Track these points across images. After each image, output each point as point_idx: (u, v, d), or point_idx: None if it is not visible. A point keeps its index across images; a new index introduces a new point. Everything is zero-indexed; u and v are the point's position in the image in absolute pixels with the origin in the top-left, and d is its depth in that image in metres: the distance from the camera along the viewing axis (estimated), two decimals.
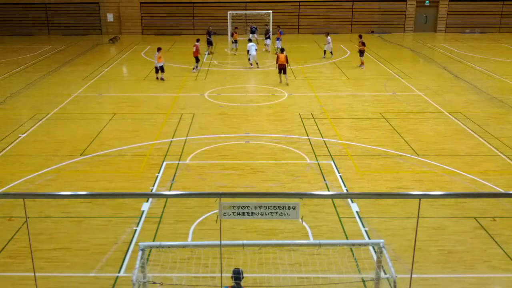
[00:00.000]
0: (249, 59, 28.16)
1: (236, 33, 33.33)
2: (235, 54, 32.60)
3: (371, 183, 13.45)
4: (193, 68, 27.28)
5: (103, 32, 42.49)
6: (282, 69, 23.78)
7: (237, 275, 7.51)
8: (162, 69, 24.65)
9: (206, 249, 9.85)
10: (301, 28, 42.68)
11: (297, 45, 36.30)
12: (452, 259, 10.10)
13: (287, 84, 23.83)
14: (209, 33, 32.91)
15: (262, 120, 18.79)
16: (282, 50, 25.14)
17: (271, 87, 23.78)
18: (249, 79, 25.67)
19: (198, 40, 27.47)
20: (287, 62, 23.90)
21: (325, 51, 30.60)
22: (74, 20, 42.03)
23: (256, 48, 27.94)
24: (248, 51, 27.98)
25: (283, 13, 41.66)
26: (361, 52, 27.59)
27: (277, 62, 23.94)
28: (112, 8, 42.14)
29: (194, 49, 26.89)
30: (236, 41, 33.25)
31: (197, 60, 27.26)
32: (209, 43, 32.78)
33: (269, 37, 33.88)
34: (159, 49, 24.56)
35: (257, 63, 27.95)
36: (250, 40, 28.62)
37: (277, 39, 32.55)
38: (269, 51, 33.51)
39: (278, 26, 33.36)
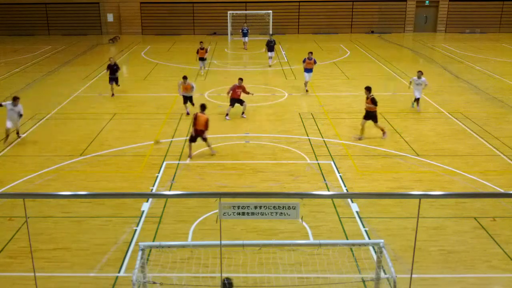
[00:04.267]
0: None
1: (203, 48, 25.91)
2: (202, 74, 26.35)
3: (371, 183, 13.45)
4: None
5: (103, 32, 42.49)
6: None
7: (226, 286, 7.33)
8: (191, 100, 19.23)
9: (206, 249, 9.85)
10: (301, 28, 42.68)
11: (297, 45, 36.28)
12: (452, 259, 10.10)
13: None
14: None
15: (262, 120, 18.79)
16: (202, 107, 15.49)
17: (271, 87, 23.77)
18: (249, 79, 25.64)
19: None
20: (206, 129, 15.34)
21: (417, 99, 19.48)
22: (74, 20, 42.04)
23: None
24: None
25: (283, 13, 41.68)
26: (373, 116, 16.44)
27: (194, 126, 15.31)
28: (112, 8, 42.15)
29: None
30: (202, 59, 26.10)
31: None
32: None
33: (272, 49, 28.34)
34: (185, 78, 18.88)
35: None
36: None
37: (306, 70, 22.27)
38: (270, 66, 28.65)
39: (311, 53, 22.28)
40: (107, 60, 31.05)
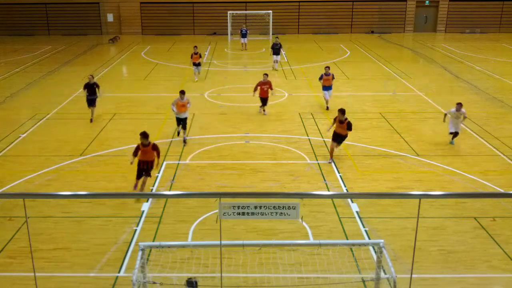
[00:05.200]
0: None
1: (197, 53, 24.53)
2: (196, 81, 24.92)
3: (371, 183, 13.45)
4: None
5: (103, 32, 42.48)
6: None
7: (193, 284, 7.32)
8: (184, 123, 16.34)
9: (206, 249, 9.85)
10: (301, 28, 42.68)
11: (297, 45, 36.28)
12: (452, 259, 10.10)
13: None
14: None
15: (262, 120, 18.78)
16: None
17: None
18: (249, 79, 25.63)
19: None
20: None
21: (455, 133, 16.17)
22: (74, 20, 42.03)
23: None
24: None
25: (283, 13, 41.68)
26: (341, 140, 14.73)
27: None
28: (112, 8, 42.14)
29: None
30: (196, 64, 24.70)
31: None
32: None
33: (278, 52, 26.95)
34: (182, 92, 16.31)
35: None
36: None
37: (325, 88, 19.94)
38: (277, 69, 27.31)
39: (327, 67, 20.17)
40: (107, 60, 31.16)
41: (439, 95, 21.91)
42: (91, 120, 18.68)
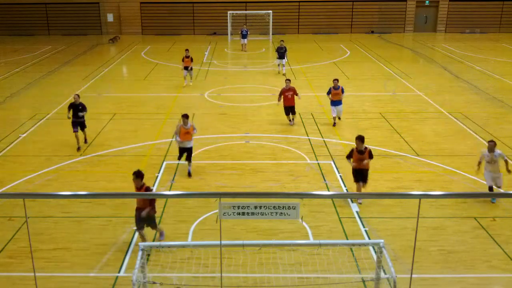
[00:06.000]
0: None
1: (188, 57, 23.36)
2: (189, 84, 24.00)
3: (371, 183, 13.44)
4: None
5: (103, 32, 42.49)
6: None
7: None
8: (189, 154, 13.82)
9: (206, 249, 9.85)
10: (301, 28, 42.68)
11: (297, 45, 36.28)
12: (452, 259, 10.10)
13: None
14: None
15: (262, 120, 18.78)
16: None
17: (271, 87, 23.76)
18: (249, 79, 25.65)
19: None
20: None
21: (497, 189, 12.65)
22: (74, 20, 42.03)
23: None
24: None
25: (283, 13, 41.68)
26: (365, 176, 12.31)
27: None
28: (112, 8, 42.15)
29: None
30: (188, 68, 23.56)
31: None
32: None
33: (283, 56, 25.66)
34: (185, 117, 13.65)
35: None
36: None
37: (333, 103, 17.75)
38: (284, 74, 25.75)
39: (336, 80, 17.85)
40: (107, 60, 31.14)
41: (439, 95, 21.91)
42: (78, 149, 15.67)
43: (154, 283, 8.27)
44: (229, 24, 39.29)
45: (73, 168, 14.52)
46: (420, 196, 5.57)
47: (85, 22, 42.25)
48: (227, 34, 39.45)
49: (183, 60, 23.63)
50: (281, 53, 25.63)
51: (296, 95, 17.79)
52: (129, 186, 13.21)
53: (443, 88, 23.33)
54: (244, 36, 33.84)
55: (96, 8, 42.11)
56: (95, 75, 26.56)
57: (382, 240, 7.46)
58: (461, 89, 23.23)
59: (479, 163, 12.17)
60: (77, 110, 15.73)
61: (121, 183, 13.48)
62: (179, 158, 13.83)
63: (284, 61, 25.87)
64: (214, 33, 42.06)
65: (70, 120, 15.88)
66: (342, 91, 17.67)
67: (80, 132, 15.88)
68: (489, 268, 9.88)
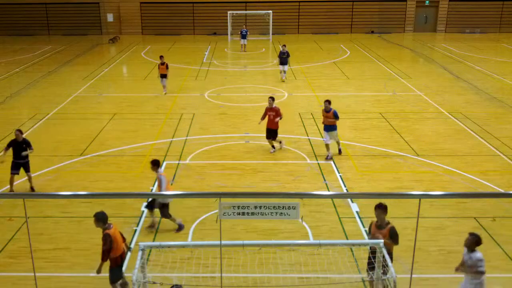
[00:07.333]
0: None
1: (163, 63, 21.86)
2: (165, 93, 22.34)
3: (371, 183, 13.45)
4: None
5: (103, 32, 42.49)
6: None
7: None
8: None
9: (206, 249, 9.85)
10: (301, 28, 42.69)
11: (297, 45, 36.28)
12: (452, 259, 10.08)
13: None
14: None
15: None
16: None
17: (271, 87, 23.76)
18: (249, 79, 25.65)
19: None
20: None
21: None
22: (74, 20, 42.04)
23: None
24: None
25: (283, 13, 41.68)
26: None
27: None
28: (112, 8, 42.15)
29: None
30: (164, 76, 22.13)
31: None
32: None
33: (285, 62, 24.14)
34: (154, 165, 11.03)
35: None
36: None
37: (326, 128, 14.78)
38: (284, 81, 24.66)
39: (327, 101, 14.79)
40: (107, 60, 31.09)
41: (439, 95, 21.91)
42: (32, 189, 12.69)
43: (154, 283, 8.26)
44: (229, 24, 39.30)
45: (73, 168, 14.51)
46: (420, 196, 5.56)
47: (85, 22, 42.27)
48: (227, 34, 39.45)
49: (158, 67, 22.28)
50: (283, 58, 24.04)
51: (278, 117, 14.85)
52: (129, 186, 13.24)
53: (443, 88, 23.33)
54: (243, 37, 33.81)
55: (96, 8, 42.11)
56: (95, 75, 26.56)
57: (382, 240, 7.45)
58: (461, 89, 23.23)
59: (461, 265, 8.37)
60: (19, 149, 12.52)
61: (121, 183, 13.48)
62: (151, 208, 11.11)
63: (287, 67, 24.44)
64: (214, 33, 42.07)
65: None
66: (335, 115, 14.47)
67: (23, 175, 12.72)
68: (489, 268, 9.84)
